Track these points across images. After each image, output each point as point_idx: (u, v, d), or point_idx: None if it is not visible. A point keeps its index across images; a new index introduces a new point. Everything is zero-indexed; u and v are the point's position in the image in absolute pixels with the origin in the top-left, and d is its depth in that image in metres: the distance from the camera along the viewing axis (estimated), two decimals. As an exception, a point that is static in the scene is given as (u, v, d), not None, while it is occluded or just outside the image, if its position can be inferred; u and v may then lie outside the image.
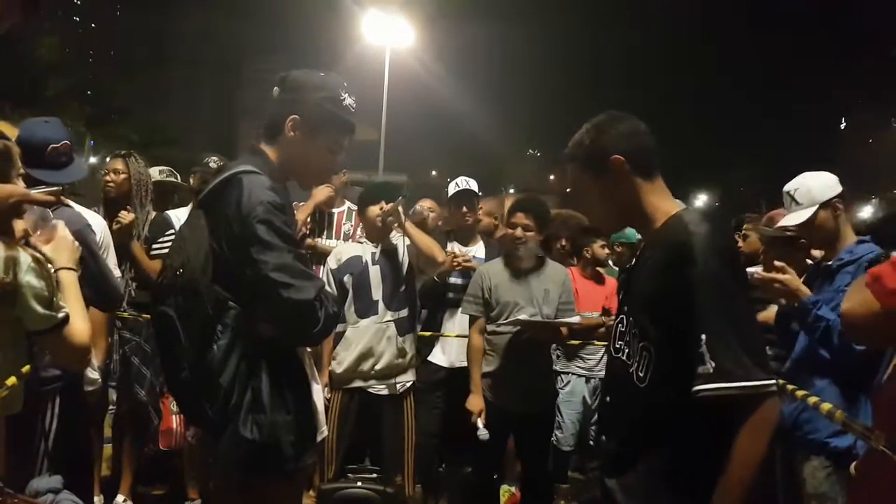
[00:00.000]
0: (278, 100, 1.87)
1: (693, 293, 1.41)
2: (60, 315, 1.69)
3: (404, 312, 3.25)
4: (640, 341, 1.53)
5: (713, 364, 1.38)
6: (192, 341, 1.70)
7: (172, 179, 4.09)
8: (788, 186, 2.70)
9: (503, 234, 3.39)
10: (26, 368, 1.88)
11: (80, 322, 1.74)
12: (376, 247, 3.28)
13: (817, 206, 2.60)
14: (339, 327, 3.22)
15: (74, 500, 1.95)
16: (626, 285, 1.71)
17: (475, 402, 3.24)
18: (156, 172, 3.99)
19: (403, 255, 3.29)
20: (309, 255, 3.84)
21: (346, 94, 1.88)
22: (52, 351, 1.87)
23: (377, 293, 3.20)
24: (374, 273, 3.22)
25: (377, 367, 3.17)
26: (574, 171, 1.69)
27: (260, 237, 1.66)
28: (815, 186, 2.63)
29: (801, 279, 2.66)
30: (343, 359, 3.19)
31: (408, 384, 3.28)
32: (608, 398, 1.71)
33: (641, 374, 1.52)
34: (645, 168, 1.62)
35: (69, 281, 1.80)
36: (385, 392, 3.21)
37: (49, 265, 1.73)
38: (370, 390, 3.20)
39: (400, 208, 3.18)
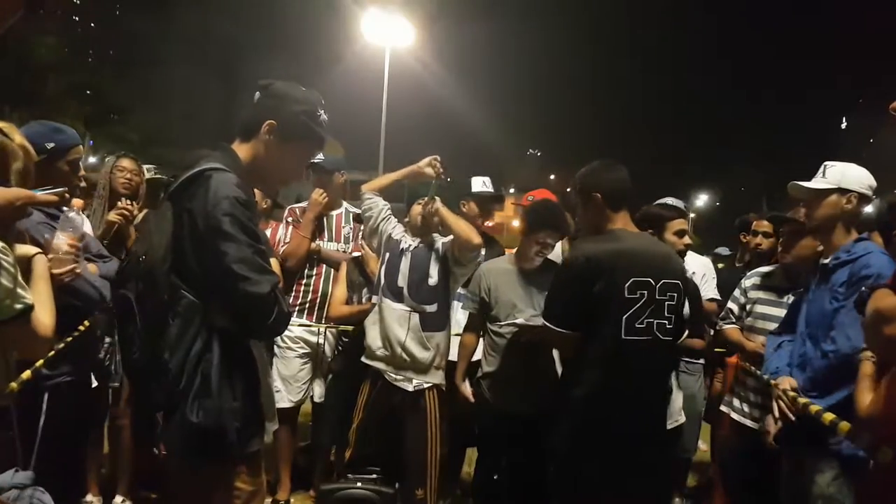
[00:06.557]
0: (258, 104, 1.96)
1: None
2: (18, 306, 1.54)
3: (431, 308, 3.25)
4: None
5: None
6: (147, 325, 1.83)
7: (161, 177, 4.04)
8: (829, 163, 2.69)
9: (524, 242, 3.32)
10: (40, 363, 1.94)
11: (43, 313, 1.62)
12: (415, 240, 3.40)
13: (837, 187, 2.59)
14: (374, 298, 3.38)
15: (42, 496, 1.92)
16: None
17: (464, 389, 3.36)
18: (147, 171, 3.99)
19: (438, 252, 3.34)
20: (316, 257, 3.86)
21: (322, 111, 1.99)
22: (14, 341, 1.68)
23: (402, 281, 3.27)
24: (405, 262, 3.31)
25: (397, 351, 3.21)
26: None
27: (223, 230, 1.74)
28: (848, 173, 2.62)
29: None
30: (370, 333, 3.31)
31: (426, 385, 3.24)
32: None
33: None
34: (615, 203, 2.56)
35: (42, 267, 1.75)
36: (403, 385, 3.24)
37: (11, 250, 1.56)
38: (389, 376, 3.24)
39: (437, 200, 3.29)
